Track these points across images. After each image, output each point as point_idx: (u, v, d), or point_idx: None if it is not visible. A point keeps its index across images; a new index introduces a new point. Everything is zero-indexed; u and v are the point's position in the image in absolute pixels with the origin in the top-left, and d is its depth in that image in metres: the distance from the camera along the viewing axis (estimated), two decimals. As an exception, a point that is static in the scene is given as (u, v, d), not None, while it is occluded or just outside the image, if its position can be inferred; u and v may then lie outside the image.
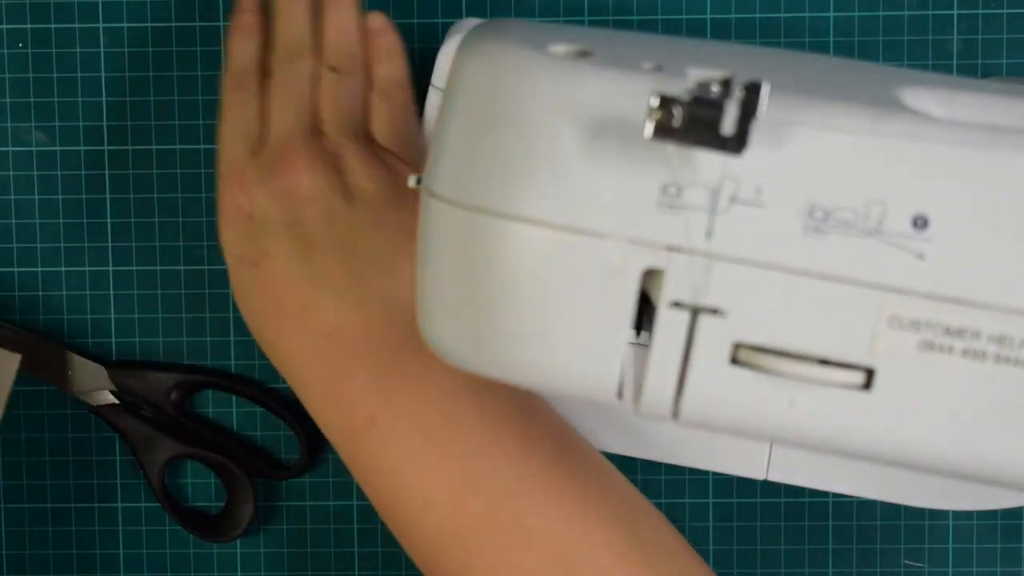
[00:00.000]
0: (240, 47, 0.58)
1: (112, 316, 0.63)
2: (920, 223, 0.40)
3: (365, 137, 0.57)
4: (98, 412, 0.62)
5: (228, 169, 0.56)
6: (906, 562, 0.62)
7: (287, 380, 0.55)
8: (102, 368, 0.62)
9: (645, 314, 0.42)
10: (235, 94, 0.57)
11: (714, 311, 0.41)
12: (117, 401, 0.62)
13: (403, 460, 0.51)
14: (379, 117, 0.57)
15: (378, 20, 0.58)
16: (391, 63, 0.58)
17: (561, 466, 0.51)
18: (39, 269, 0.63)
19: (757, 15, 0.61)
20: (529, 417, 0.52)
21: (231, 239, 0.56)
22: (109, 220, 0.62)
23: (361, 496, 0.63)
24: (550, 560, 0.49)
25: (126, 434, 0.62)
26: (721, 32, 0.61)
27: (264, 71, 0.57)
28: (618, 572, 0.49)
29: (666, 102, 0.38)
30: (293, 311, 0.54)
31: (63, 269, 0.62)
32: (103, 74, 0.62)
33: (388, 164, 0.56)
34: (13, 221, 0.62)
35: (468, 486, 0.50)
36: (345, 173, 0.55)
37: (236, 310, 0.62)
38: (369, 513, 0.63)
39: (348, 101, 0.57)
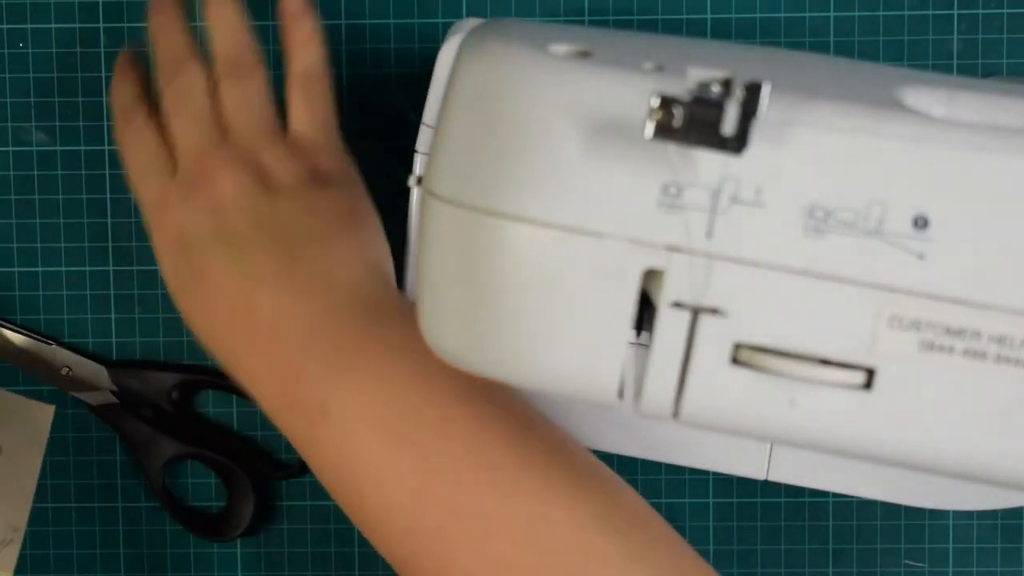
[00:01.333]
0: (118, 87, 0.57)
1: (112, 316, 0.63)
2: (920, 223, 0.40)
3: (277, 134, 0.55)
4: (98, 412, 0.62)
5: (150, 203, 0.55)
6: (906, 562, 0.62)
7: (253, 397, 0.53)
8: (102, 368, 0.62)
9: (645, 314, 0.42)
10: (126, 133, 0.56)
11: (714, 311, 0.41)
12: (117, 401, 0.62)
13: (356, 451, 0.50)
14: (298, 111, 0.56)
15: (294, 3, 0.56)
16: (307, 52, 0.56)
17: (518, 447, 0.49)
18: (39, 269, 0.63)
19: (757, 15, 0.61)
20: (480, 399, 0.50)
21: (170, 270, 0.54)
22: (109, 220, 0.62)
23: (361, 496, 0.63)
24: (522, 544, 0.48)
25: (126, 434, 0.62)
26: (721, 32, 0.61)
27: (154, 104, 0.56)
28: (588, 546, 0.48)
29: (666, 102, 0.38)
30: (239, 317, 0.52)
31: (63, 269, 0.62)
32: (103, 74, 0.62)
33: (307, 155, 0.55)
34: (13, 221, 0.62)
35: (425, 473, 0.49)
36: (264, 172, 0.54)
37: (236, 310, 0.62)
38: (369, 513, 0.63)
39: (251, 103, 0.55)
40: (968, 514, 0.62)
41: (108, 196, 0.62)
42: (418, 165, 0.58)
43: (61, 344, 0.62)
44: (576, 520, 0.48)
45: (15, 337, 0.62)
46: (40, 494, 0.63)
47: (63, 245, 0.62)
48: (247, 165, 0.54)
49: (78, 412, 0.63)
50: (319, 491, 0.63)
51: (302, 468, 0.62)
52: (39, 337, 0.62)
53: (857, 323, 0.40)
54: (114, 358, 0.63)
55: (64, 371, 0.62)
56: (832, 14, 0.61)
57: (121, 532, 0.63)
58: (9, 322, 0.62)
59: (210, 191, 0.53)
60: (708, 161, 0.40)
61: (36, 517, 0.63)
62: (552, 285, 0.41)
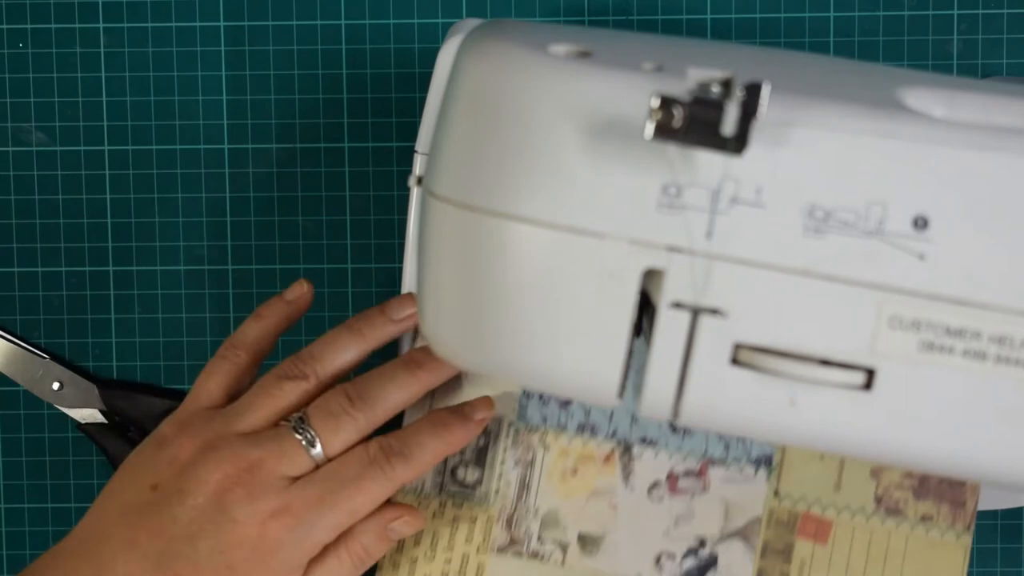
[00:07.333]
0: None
1: (112, 316, 0.63)
2: (920, 224, 0.40)
3: None
4: (84, 430, 0.62)
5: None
6: (906, 562, 0.62)
7: None
8: (93, 387, 0.62)
9: (646, 314, 0.42)
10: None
11: (714, 311, 0.41)
12: (105, 421, 0.62)
13: None
14: None
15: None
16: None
17: None
18: (39, 269, 0.63)
19: (757, 15, 0.61)
20: None
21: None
22: (109, 220, 0.62)
23: (361, 496, 0.63)
24: None
25: (110, 454, 0.61)
26: (721, 32, 0.61)
27: None
28: None
29: (667, 102, 0.38)
30: None
31: (63, 269, 0.62)
32: (103, 74, 0.62)
33: None
34: (13, 221, 0.62)
35: None
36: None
37: (236, 310, 0.62)
38: (369, 513, 0.63)
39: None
40: (968, 514, 0.62)
41: (108, 196, 0.62)
42: (418, 165, 0.58)
43: (55, 359, 0.62)
44: None
45: (9, 348, 0.62)
46: (40, 494, 0.63)
47: (63, 245, 0.62)
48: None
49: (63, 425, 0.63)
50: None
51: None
52: (34, 349, 0.62)
53: (857, 323, 0.41)
54: (114, 356, 0.63)
55: (55, 386, 0.62)
56: (832, 14, 0.61)
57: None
58: (5, 331, 0.62)
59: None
60: (708, 161, 0.40)
61: (35, 517, 0.63)
62: (552, 285, 0.41)
